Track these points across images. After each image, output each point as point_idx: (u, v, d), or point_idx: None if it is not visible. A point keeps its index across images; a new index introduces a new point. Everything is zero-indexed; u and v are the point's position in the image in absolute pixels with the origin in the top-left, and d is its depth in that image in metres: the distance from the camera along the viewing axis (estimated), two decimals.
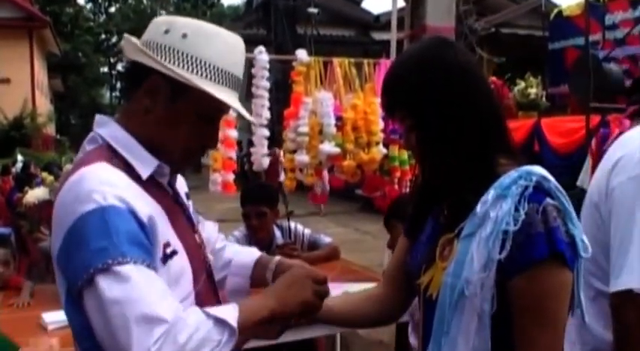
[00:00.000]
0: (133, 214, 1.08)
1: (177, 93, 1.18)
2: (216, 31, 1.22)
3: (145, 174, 1.18)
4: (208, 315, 1.06)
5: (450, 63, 1.16)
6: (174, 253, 1.17)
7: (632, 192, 1.46)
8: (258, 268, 1.46)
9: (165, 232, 1.17)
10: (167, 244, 1.16)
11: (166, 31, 1.18)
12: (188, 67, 1.17)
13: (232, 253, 1.51)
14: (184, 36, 1.17)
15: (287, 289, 1.21)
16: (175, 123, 1.20)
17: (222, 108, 1.23)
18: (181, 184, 1.38)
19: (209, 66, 1.18)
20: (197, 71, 1.17)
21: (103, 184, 1.08)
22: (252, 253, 1.50)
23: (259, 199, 3.30)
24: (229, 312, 1.09)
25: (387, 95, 1.23)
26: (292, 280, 1.23)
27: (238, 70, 1.24)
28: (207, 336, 1.04)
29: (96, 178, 1.10)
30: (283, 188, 4.82)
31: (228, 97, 1.20)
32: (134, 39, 1.22)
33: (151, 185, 1.19)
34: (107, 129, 1.22)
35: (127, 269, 1.03)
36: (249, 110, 4.26)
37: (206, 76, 1.18)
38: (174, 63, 1.16)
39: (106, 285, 1.02)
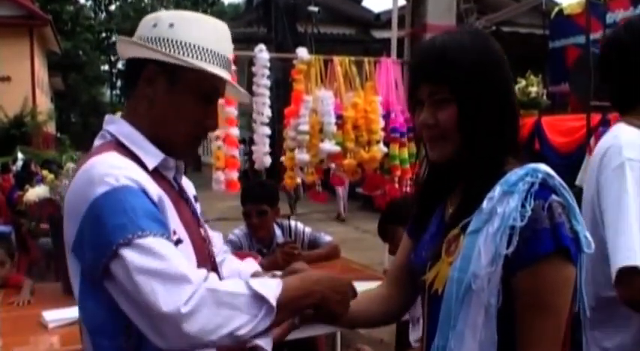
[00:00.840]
0: (145, 193, 1.14)
1: (173, 77, 1.25)
2: (199, 17, 1.31)
3: (151, 165, 1.23)
4: (249, 287, 1.07)
5: (499, 51, 1.19)
6: (179, 241, 1.21)
7: (617, 181, 1.48)
8: None
9: (172, 220, 1.22)
10: (173, 232, 1.20)
11: (154, 25, 1.26)
12: (179, 52, 1.24)
13: (229, 270, 1.52)
14: (171, 25, 1.25)
15: (334, 293, 1.22)
16: (176, 107, 1.26)
17: (217, 85, 1.30)
18: (189, 187, 1.44)
19: (198, 48, 1.25)
20: (187, 54, 1.24)
21: (114, 168, 1.14)
22: (246, 271, 1.52)
23: (260, 198, 3.30)
24: (271, 288, 1.09)
25: (433, 66, 1.17)
26: (340, 287, 1.24)
27: (225, 50, 1.30)
28: (242, 307, 1.05)
29: (106, 163, 1.16)
30: (298, 189, 4.78)
31: (220, 72, 1.27)
32: (126, 37, 1.29)
33: (156, 177, 1.24)
34: (115, 126, 1.28)
35: (148, 241, 1.06)
36: (252, 109, 4.26)
37: (196, 57, 1.24)
38: (165, 50, 1.23)
39: (130, 256, 1.05)
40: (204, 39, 1.26)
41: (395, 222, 2.51)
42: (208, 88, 1.28)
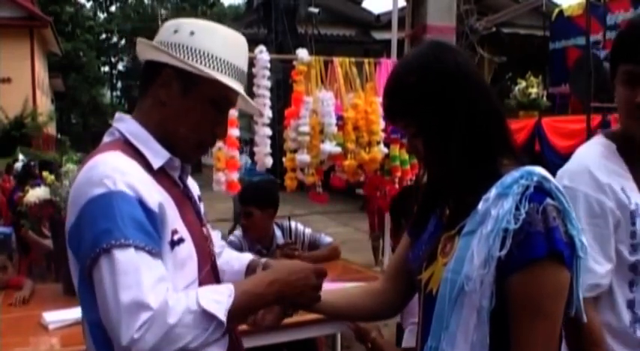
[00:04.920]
0: (141, 202, 1.16)
1: (188, 84, 1.28)
2: (219, 28, 1.33)
3: (156, 164, 1.26)
4: (198, 304, 1.11)
5: (448, 68, 1.17)
6: (181, 240, 1.24)
7: None
8: (249, 272, 1.52)
9: (174, 220, 1.24)
10: (175, 231, 1.23)
11: (175, 31, 1.29)
12: (197, 60, 1.27)
13: (227, 258, 1.56)
14: (192, 33, 1.28)
15: (289, 275, 1.26)
16: (187, 112, 1.29)
17: (230, 96, 1.33)
18: (194, 187, 1.46)
19: (216, 58, 1.28)
20: (205, 63, 1.27)
21: (115, 171, 1.16)
22: (244, 258, 1.57)
23: (247, 200, 3.31)
24: (221, 303, 1.13)
25: (388, 103, 1.25)
26: (295, 270, 1.28)
27: (242, 63, 1.34)
28: (193, 324, 1.09)
29: (109, 164, 1.18)
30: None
31: (234, 84, 1.30)
32: (146, 40, 1.32)
33: (161, 176, 1.27)
34: (124, 124, 1.31)
35: (127, 254, 1.10)
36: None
37: (213, 67, 1.27)
38: (184, 57, 1.26)
39: (106, 268, 1.10)
40: (222, 50, 1.29)
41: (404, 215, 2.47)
42: (221, 97, 1.31)
